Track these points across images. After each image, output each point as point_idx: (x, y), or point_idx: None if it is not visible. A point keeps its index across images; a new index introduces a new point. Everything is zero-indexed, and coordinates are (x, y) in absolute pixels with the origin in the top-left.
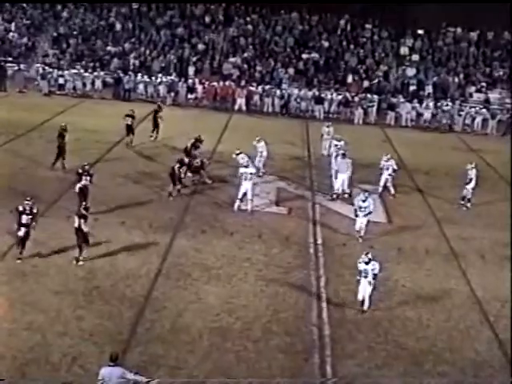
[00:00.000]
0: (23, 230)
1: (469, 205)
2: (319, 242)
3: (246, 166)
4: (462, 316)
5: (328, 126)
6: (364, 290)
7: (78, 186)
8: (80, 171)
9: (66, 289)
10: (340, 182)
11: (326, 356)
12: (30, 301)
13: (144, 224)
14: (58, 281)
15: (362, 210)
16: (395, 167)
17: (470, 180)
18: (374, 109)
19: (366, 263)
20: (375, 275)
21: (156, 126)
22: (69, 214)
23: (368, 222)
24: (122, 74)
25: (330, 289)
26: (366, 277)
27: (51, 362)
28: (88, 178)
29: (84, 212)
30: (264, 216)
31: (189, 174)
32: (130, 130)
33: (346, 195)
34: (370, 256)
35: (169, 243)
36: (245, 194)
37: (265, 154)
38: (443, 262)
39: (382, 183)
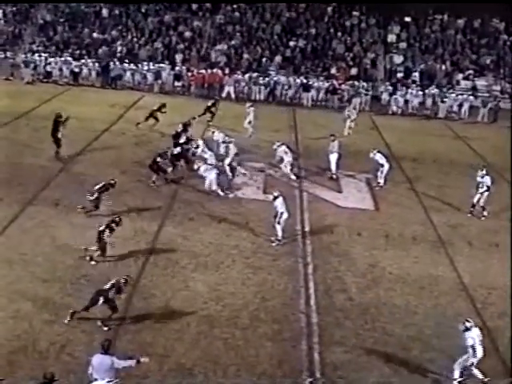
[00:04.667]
0: None
1: (485, 213)
2: (307, 229)
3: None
4: (449, 303)
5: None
6: None
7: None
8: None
9: (53, 277)
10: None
11: (313, 343)
12: (17, 289)
13: (132, 212)
14: (46, 269)
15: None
16: (381, 161)
17: (488, 188)
18: (369, 97)
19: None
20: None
21: (155, 118)
22: (56, 202)
23: None
24: (108, 62)
25: (317, 276)
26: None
27: (39, 350)
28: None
29: (113, 224)
30: (251, 203)
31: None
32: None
33: (334, 176)
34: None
35: (156, 231)
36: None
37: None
38: (430, 249)
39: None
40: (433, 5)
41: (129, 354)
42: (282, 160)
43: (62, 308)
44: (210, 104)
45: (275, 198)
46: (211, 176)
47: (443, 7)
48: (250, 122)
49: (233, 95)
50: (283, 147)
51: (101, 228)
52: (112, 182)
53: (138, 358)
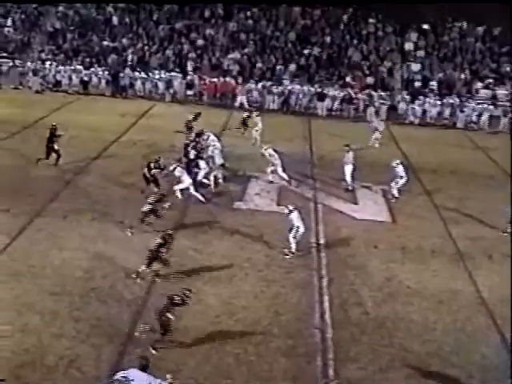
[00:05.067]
0: None
1: (509, 230)
2: (322, 241)
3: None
4: (468, 318)
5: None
6: None
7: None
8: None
9: (62, 290)
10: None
11: (328, 359)
12: (25, 302)
13: (142, 224)
14: (55, 281)
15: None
16: (401, 173)
17: None
18: (386, 107)
19: None
20: None
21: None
22: (65, 214)
23: None
24: (119, 70)
25: (332, 289)
26: None
27: (47, 364)
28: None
29: (169, 239)
30: (265, 216)
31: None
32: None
33: (350, 187)
34: None
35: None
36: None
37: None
38: (449, 263)
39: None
40: (451, 12)
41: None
42: (273, 164)
43: (71, 322)
44: (245, 116)
45: (290, 211)
46: (186, 182)
47: (462, 14)
48: (257, 131)
49: (246, 105)
50: (270, 150)
51: (156, 243)
52: (164, 192)
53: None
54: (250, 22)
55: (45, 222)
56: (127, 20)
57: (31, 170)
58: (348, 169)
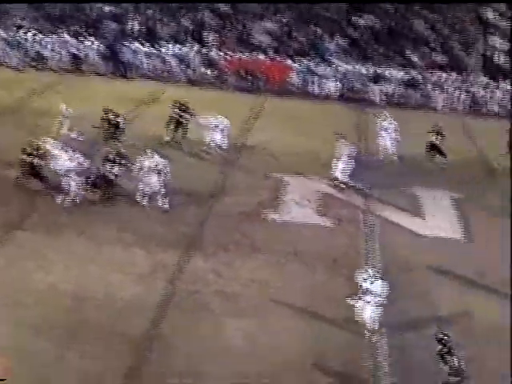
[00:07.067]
0: None
1: None
2: (376, 265)
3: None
4: None
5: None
6: None
7: None
8: None
9: (46, 324)
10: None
11: None
12: None
13: (148, 240)
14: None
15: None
16: None
17: None
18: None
19: None
20: None
21: None
22: (48, 228)
23: None
24: (119, 42)
25: None
26: None
27: None
28: None
29: None
30: (304, 229)
31: None
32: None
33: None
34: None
35: (180, 265)
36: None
37: None
38: None
39: None
40: None
41: None
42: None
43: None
44: None
45: None
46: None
47: None
48: None
49: None
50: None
51: None
52: None
53: None
54: None
55: (26, 238)
56: None
57: (4, 173)
58: (340, 164)
